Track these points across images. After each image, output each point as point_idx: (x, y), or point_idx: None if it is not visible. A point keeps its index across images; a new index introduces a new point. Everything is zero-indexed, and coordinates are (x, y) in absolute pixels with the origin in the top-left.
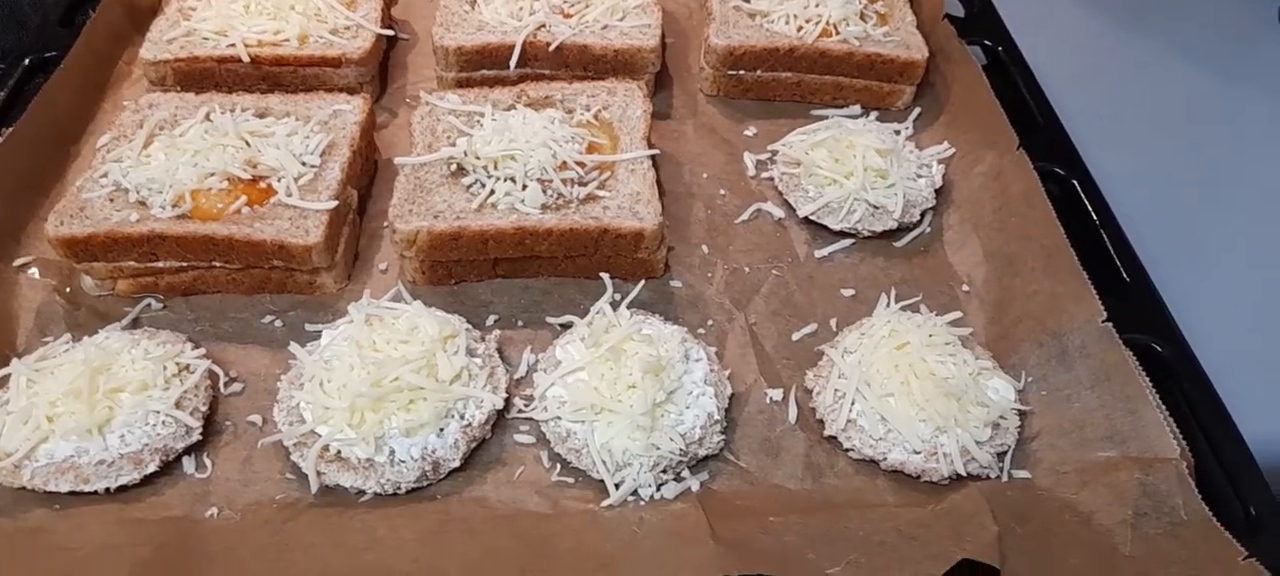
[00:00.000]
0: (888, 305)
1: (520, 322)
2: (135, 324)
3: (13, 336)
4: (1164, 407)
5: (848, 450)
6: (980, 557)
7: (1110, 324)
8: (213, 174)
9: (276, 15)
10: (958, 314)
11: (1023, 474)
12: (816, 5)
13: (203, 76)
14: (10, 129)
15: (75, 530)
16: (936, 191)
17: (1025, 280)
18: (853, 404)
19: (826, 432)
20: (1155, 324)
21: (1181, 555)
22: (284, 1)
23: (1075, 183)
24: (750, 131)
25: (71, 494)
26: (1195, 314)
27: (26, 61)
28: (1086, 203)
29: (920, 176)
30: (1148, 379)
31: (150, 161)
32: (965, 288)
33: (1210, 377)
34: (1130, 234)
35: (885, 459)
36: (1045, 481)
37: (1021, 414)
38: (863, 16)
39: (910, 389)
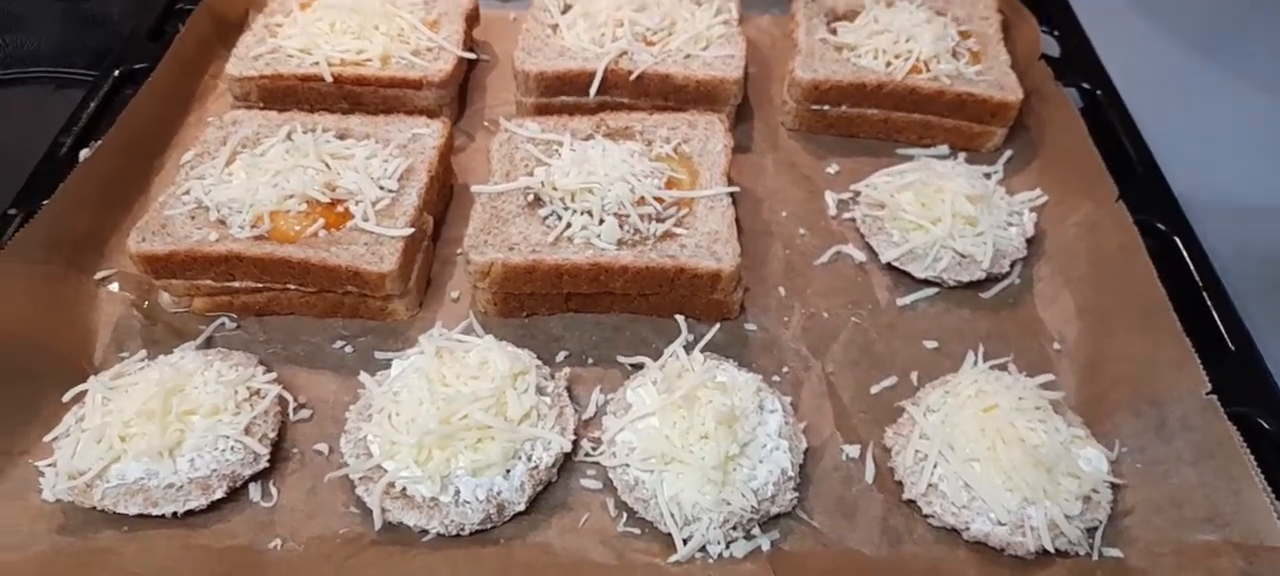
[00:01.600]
0: (975, 364)
1: (590, 360)
2: (209, 343)
3: (91, 350)
4: (1270, 490)
5: (928, 516)
6: None
7: (1215, 396)
8: (292, 196)
9: (360, 34)
10: (1049, 376)
11: (1114, 552)
12: (907, 41)
13: (286, 93)
14: (99, 142)
15: (142, 553)
16: (1027, 241)
17: (1121, 341)
18: (935, 467)
19: (905, 496)
20: (1261, 396)
21: None
22: (368, 21)
23: (1177, 238)
24: (832, 169)
25: (139, 516)
26: None
27: (117, 72)
28: (1188, 260)
29: (1011, 224)
30: (1253, 457)
31: (232, 180)
32: (1056, 345)
33: None
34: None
35: (968, 528)
36: (1139, 562)
37: (1114, 487)
38: (955, 54)
39: (997, 455)
